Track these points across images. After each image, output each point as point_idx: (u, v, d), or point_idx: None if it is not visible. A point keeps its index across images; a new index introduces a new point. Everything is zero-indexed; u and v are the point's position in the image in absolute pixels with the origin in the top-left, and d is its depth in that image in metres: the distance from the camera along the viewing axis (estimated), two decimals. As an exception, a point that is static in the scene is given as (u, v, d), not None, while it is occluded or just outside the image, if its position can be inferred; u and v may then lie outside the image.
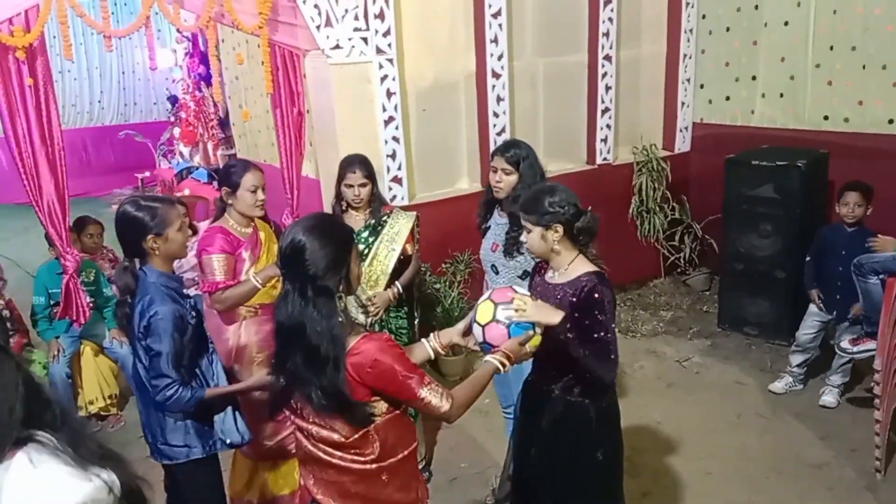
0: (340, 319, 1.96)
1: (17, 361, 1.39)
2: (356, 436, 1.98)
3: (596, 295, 2.42)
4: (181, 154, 9.14)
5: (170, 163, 9.52)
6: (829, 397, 4.37)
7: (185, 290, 2.73)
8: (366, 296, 3.42)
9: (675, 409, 4.43)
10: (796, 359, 4.54)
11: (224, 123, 8.27)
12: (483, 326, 2.29)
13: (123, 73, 11.90)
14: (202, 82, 8.58)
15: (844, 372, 4.34)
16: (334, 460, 1.98)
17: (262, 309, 3.27)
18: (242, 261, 3.27)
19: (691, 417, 4.34)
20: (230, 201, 3.28)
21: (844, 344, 3.97)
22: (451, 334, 2.42)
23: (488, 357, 2.22)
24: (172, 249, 2.58)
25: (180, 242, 2.61)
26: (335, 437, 1.97)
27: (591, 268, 2.52)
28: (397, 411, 2.06)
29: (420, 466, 3.86)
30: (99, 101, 11.83)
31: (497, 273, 3.38)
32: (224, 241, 3.21)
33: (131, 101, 12.11)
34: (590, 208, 2.56)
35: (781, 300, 5.11)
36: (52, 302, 4.36)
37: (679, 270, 6.37)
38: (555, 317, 2.32)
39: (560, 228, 2.47)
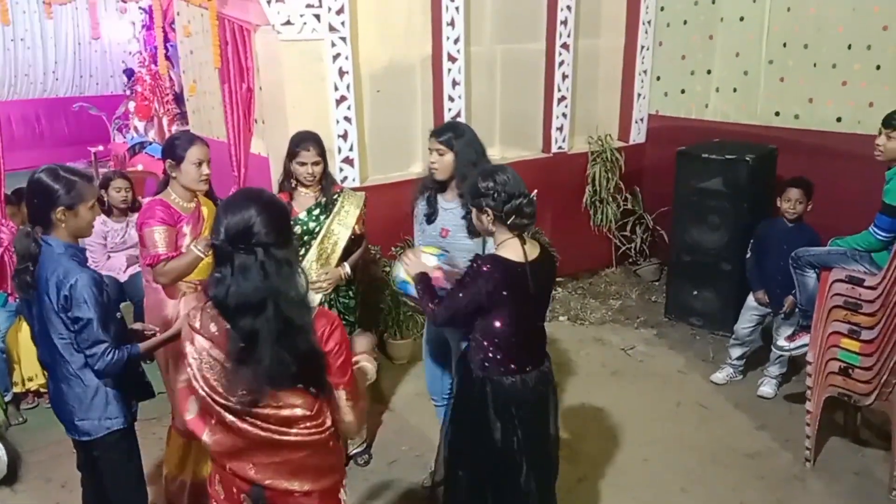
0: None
1: None
2: (317, 407, 1.98)
3: (474, 267, 2.52)
4: (136, 128, 9.00)
5: (124, 137, 9.35)
6: (767, 388, 4.46)
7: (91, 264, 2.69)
8: (316, 273, 3.41)
9: (617, 397, 4.48)
10: (735, 352, 4.61)
11: (179, 98, 8.14)
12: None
13: (79, 43, 11.48)
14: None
15: (782, 363, 4.43)
16: (289, 437, 1.95)
17: (201, 284, 3.21)
18: (183, 235, 3.19)
19: (632, 405, 4.39)
20: (174, 174, 3.20)
21: (781, 342, 4.04)
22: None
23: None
24: (80, 226, 2.54)
25: (89, 221, 2.57)
26: (297, 412, 1.95)
27: (511, 255, 2.52)
28: None
29: (360, 449, 3.88)
30: (53, 72, 11.41)
31: None
32: (164, 213, 3.13)
33: (87, 73, 11.74)
34: (534, 193, 2.56)
35: (726, 292, 5.18)
36: (-13, 275, 4.26)
37: (630, 260, 6.43)
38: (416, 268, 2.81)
39: (490, 212, 2.51)
